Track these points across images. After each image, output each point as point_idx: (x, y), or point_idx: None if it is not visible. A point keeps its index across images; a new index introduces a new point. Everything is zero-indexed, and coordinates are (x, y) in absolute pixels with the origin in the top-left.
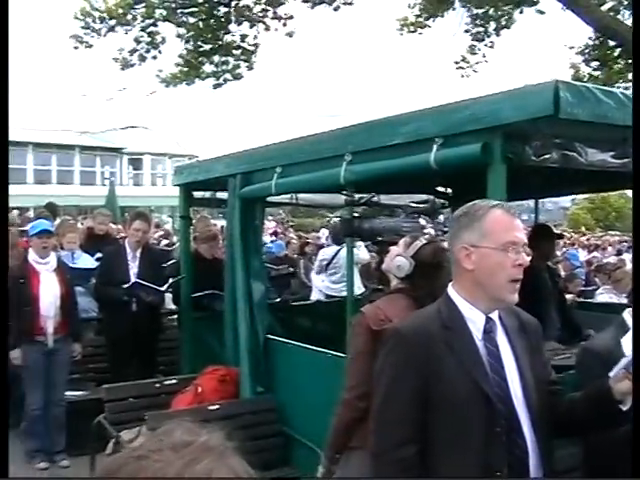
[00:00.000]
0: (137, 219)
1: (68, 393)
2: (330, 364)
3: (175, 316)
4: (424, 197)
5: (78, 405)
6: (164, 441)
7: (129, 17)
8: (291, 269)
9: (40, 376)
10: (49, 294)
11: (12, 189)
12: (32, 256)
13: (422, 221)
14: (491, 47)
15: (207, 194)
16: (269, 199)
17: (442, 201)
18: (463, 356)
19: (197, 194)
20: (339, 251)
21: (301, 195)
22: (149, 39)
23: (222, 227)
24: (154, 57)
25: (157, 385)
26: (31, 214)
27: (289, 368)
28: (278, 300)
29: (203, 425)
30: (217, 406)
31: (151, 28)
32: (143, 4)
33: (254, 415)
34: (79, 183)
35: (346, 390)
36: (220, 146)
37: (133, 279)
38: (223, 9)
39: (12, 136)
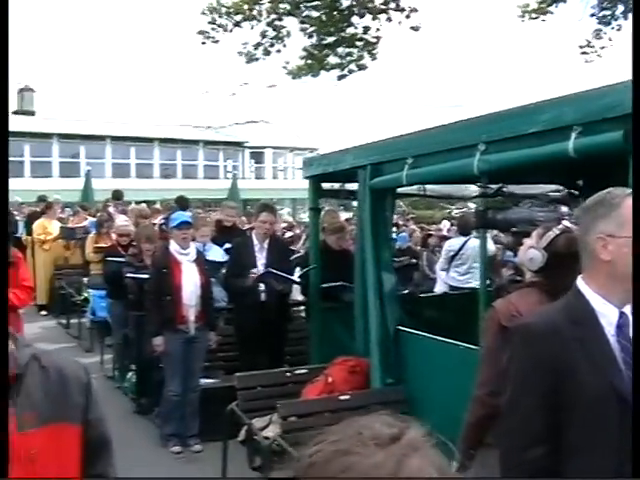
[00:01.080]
0: (263, 211)
1: (201, 380)
2: (462, 356)
3: (301, 307)
4: (553, 187)
5: (210, 392)
6: (364, 434)
7: (254, 12)
8: (413, 261)
9: (180, 363)
10: (190, 283)
11: (139, 183)
12: (173, 247)
13: (563, 209)
14: (618, 30)
15: (336, 186)
16: (398, 190)
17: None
18: (595, 353)
19: (325, 186)
20: (466, 242)
21: (429, 186)
22: (274, 33)
23: (346, 219)
24: (278, 51)
25: (288, 374)
26: (158, 207)
27: (420, 360)
28: (406, 292)
29: (398, 417)
30: (347, 396)
31: (276, 22)
32: None
33: (384, 406)
34: (203, 177)
35: (478, 386)
36: (340, 138)
37: (261, 270)
38: (346, 2)
39: (140, 132)
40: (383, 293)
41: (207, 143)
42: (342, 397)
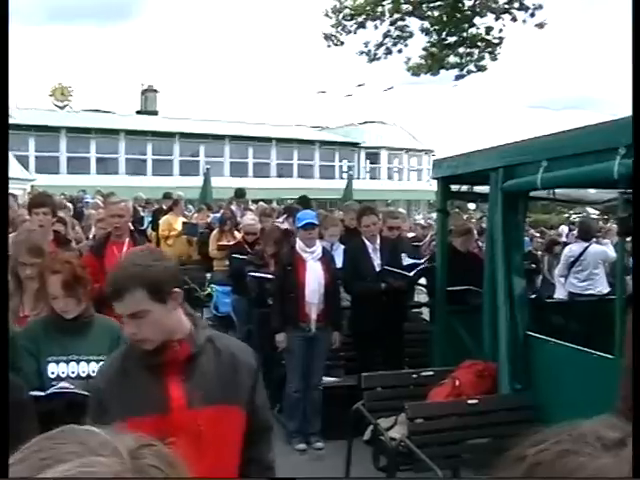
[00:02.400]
0: (364, 215)
1: (324, 378)
2: (596, 365)
3: (421, 308)
4: None
5: (332, 391)
6: (588, 436)
7: (377, 12)
8: (533, 265)
9: (301, 361)
10: (314, 282)
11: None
12: (299, 245)
13: None
14: None
15: (464, 187)
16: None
17: None
18: None
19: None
20: (587, 248)
21: (558, 190)
22: (397, 33)
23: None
24: (400, 50)
25: (414, 376)
26: (274, 206)
27: (550, 366)
28: (532, 297)
29: (624, 421)
30: (476, 401)
31: (399, 22)
32: (390, 0)
33: (512, 412)
34: (318, 177)
35: (621, 399)
36: (457, 140)
37: (378, 269)
38: (468, 2)
39: (258, 132)
40: (513, 298)
41: (323, 143)
42: (470, 401)
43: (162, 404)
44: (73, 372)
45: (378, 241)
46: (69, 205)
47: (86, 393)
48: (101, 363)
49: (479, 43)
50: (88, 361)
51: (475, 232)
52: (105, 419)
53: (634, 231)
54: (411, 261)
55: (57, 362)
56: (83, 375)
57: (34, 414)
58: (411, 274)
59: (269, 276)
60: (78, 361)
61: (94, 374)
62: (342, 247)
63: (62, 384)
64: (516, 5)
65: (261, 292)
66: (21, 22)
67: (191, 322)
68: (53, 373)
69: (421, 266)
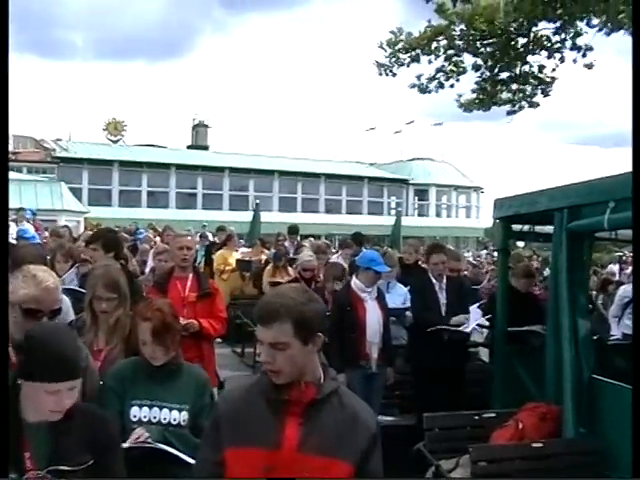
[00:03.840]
0: (433, 252)
1: (379, 417)
2: None
3: (476, 348)
4: None
5: (388, 430)
6: None
7: (432, 47)
8: (590, 306)
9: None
10: (375, 321)
11: (305, 217)
12: (356, 284)
13: None
14: None
15: (525, 227)
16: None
17: None
18: None
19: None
20: None
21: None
22: (452, 68)
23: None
24: (452, 85)
25: (476, 417)
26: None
27: (616, 411)
28: (595, 338)
29: None
30: (540, 444)
31: (455, 58)
32: (443, 36)
33: (577, 456)
34: (367, 213)
35: None
36: (505, 178)
37: (443, 309)
38: (522, 40)
39: (307, 167)
40: (578, 339)
41: (372, 179)
42: (535, 444)
43: (274, 440)
44: (155, 417)
45: (444, 280)
46: (127, 237)
47: (166, 448)
48: (183, 412)
49: (532, 80)
50: (171, 409)
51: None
52: (218, 441)
53: (634, 231)
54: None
55: (140, 406)
56: (164, 422)
57: (121, 454)
58: (468, 330)
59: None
60: (161, 407)
61: (175, 422)
62: (398, 285)
63: (138, 430)
64: (568, 45)
65: None
66: (76, 58)
67: (322, 371)
68: (135, 416)
69: (478, 318)
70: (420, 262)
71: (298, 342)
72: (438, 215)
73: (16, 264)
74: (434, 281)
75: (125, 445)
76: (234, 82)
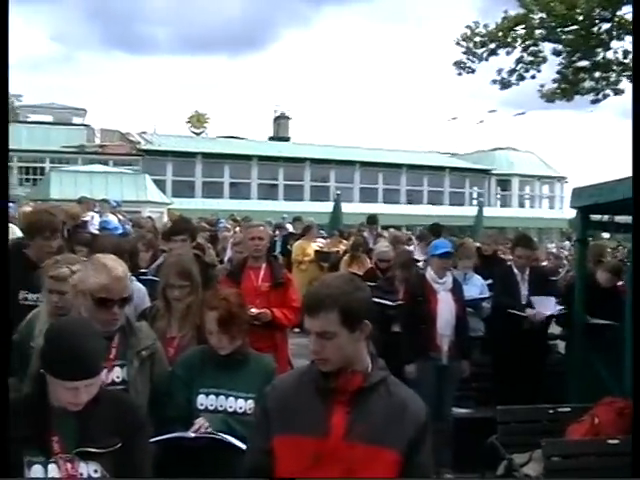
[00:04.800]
0: (518, 245)
1: (454, 409)
2: None
3: (556, 341)
4: None
5: (463, 422)
6: None
7: (509, 39)
8: None
9: (431, 391)
10: (446, 313)
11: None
12: (430, 275)
13: None
14: None
15: (605, 217)
16: None
17: None
18: None
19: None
20: None
21: None
22: (531, 59)
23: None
24: (533, 76)
25: (550, 411)
26: (404, 232)
27: None
28: None
29: None
30: (617, 441)
31: (532, 48)
32: (523, 25)
33: None
34: (448, 204)
35: None
36: (590, 168)
37: (524, 301)
38: (605, 25)
39: (388, 158)
40: None
41: (453, 170)
42: (611, 441)
43: (322, 428)
44: (221, 406)
45: (527, 272)
46: (207, 227)
47: (231, 440)
48: (249, 401)
49: (615, 67)
50: (237, 397)
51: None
52: (267, 429)
53: (634, 231)
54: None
55: (207, 394)
56: (230, 410)
57: (148, 437)
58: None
59: (391, 303)
60: (227, 396)
61: (240, 410)
62: (476, 276)
63: (199, 420)
64: None
65: (385, 319)
66: (160, 53)
67: (370, 359)
68: (202, 405)
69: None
70: (499, 253)
71: (345, 331)
72: (521, 206)
73: (95, 254)
74: (516, 271)
75: (191, 435)
76: (315, 74)
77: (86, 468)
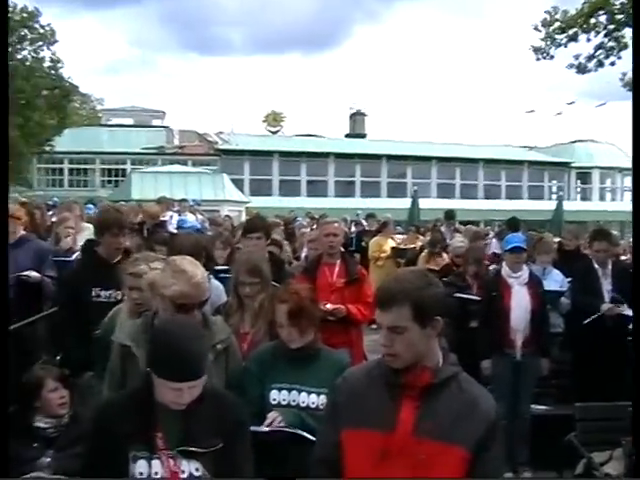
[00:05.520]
0: (595, 239)
1: (533, 406)
2: None
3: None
4: None
5: (542, 420)
6: None
7: (590, 24)
8: None
9: (507, 387)
10: (520, 308)
11: (463, 203)
12: (505, 270)
13: None
14: None
15: None
16: None
17: None
18: None
19: None
20: None
21: None
22: (612, 44)
23: None
24: (612, 63)
25: (630, 409)
26: (482, 227)
27: None
28: None
29: None
30: None
31: (615, 33)
32: (603, 10)
33: None
34: (527, 198)
35: None
36: None
37: (606, 296)
38: None
39: (465, 153)
40: None
41: (532, 163)
42: None
43: (389, 423)
44: (294, 401)
45: (609, 266)
46: (281, 225)
47: (305, 434)
48: (322, 396)
49: None
50: (309, 392)
51: None
52: (336, 422)
53: (634, 231)
54: None
55: (280, 389)
56: (303, 405)
57: (249, 438)
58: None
59: (474, 297)
60: (300, 391)
61: (313, 405)
62: (555, 272)
63: (271, 414)
64: None
65: (463, 314)
66: (235, 54)
67: (441, 355)
68: (275, 400)
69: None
70: (582, 248)
71: (416, 326)
72: (602, 199)
73: (173, 253)
74: (596, 266)
75: (265, 429)
76: (389, 70)
77: (188, 466)
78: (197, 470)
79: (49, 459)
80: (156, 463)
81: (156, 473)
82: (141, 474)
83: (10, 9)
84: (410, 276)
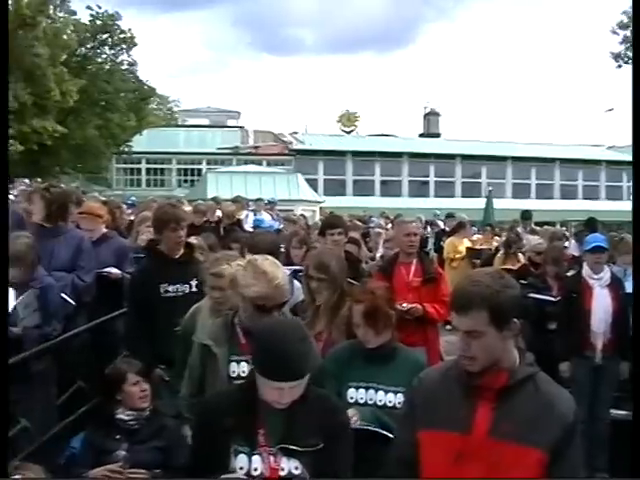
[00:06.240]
0: None
1: (613, 411)
2: None
3: None
4: None
5: (622, 425)
6: None
7: None
8: None
9: (586, 391)
10: (601, 310)
11: (538, 204)
12: (586, 271)
13: None
14: None
15: None
16: None
17: None
18: None
19: None
20: None
21: None
22: None
23: None
24: None
25: None
26: (562, 229)
27: None
28: None
29: None
30: None
31: None
32: None
33: None
34: (604, 198)
35: None
36: None
37: None
38: None
39: (541, 153)
40: None
41: (610, 163)
42: None
43: (466, 425)
44: (371, 399)
45: None
46: (360, 224)
47: (382, 432)
48: (399, 395)
49: None
50: (386, 391)
51: None
52: (413, 422)
53: (634, 231)
54: None
55: (357, 388)
56: (380, 404)
57: (351, 441)
58: None
59: (550, 298)
60: (377, 389)
61: (390, 404)
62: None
63: (350, 411)
64: None
65: (541, 316)
66: (307, 54)
67: (518, 356)
68: (352, 398)
69: None
70: None
71: (493, 329)
72: None
73: (251, 251)
74: None
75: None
76: (462, 68)
77: (287, 464)
78: (296, 469)
79: (124, 452)
80: (256, 459)
81: (255, 469)
82: (241, 468)
83: (93, 13)
84: (487, 279)
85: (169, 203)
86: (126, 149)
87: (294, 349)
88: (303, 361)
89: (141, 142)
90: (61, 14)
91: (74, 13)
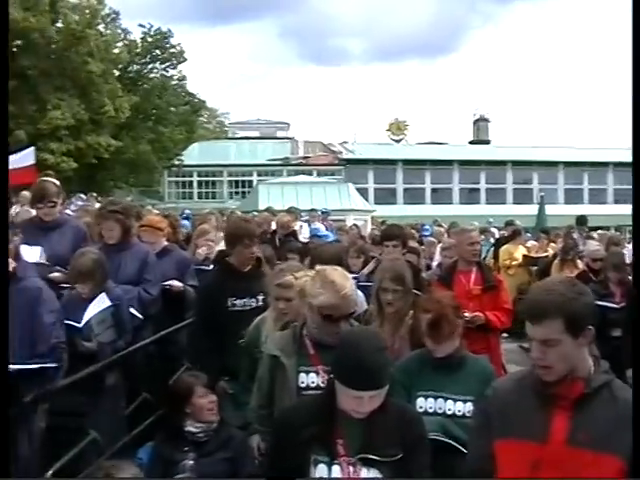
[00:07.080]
0: None
1: None
2: None
3: None
4: None
5: None
6: None
7: None
8: None
9: None
10: None
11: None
12: None
13: None
14: None
15: None
16: None
17: None
18: None
19: None
20: None
21: None
22: None
23: None
24: None
25: None
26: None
27: None
28: None
29: None
30: None
31: None
32: None
33: None
34: None
35: None
36: None
37: None
38: None
39: (594, 157)
40: None
41: None
42: None
43: (542, 434)
44: (440, 408)
45: None
46: (416, 234)
47: (452, 442)
48: (468, 404)
49: None
50: (455, 400)
51: None
52: (488, 432)
53: (634, 232)
54: None
55: (426, 397)
56: (449, 413)
57: (429, 453)
58: None
59: (613, 305)
60: (446, 398)
61: (459, 413)
62: None
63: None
64: None
65: (604, 323)
66: (354, 63)
67: (593, 363)
68: (421, 407)
69: None
70: None
71: (569, 338)
72: None
73: (314, 262)
74: None
75: None
76: (509, 73)
77: (367, 474)
78: (376, 479)
79: (192, 462)
80: (336, 469)
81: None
82: (321, 479)
83: (145, 30)
84: (560, 287)
85: (242, 217)
86: (177, 162)
87: (375, 359)
88: (383, 371)
89: (192, 155)
90: (109, 31)
91: (127, 31)
